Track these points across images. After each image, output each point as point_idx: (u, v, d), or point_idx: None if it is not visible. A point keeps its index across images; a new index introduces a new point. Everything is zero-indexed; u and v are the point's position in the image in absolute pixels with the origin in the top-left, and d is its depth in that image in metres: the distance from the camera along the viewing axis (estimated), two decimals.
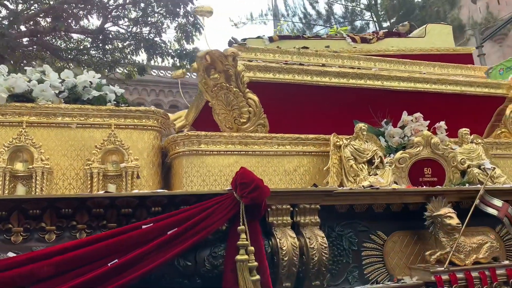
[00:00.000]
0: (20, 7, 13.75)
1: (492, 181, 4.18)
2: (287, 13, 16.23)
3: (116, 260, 2.54)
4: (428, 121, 4.35)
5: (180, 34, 14.57)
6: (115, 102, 3.92)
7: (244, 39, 4.73)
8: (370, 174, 3.99)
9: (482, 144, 4.51)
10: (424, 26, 5.93)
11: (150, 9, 14.54)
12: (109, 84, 4.08)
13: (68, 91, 3.85)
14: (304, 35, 5.21)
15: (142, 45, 14.20)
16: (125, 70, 15.14)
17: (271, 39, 4.87)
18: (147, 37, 14.42)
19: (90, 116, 3.78)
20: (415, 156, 4.12)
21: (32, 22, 13.26)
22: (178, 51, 14.17)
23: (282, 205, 3.16)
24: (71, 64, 13.41)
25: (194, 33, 14.44)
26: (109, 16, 14.20)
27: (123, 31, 14.72)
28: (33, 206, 2.74)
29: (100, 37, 14.15)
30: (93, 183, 3.49)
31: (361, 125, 4.11)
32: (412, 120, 4.34)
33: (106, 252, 2.60)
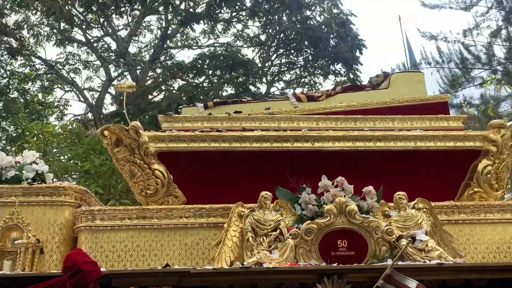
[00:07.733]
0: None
1: (422, 255, 3.53)
2: (442, 59, 15.60)
3: None
4: (352, 186, 3.88)
5: None
6: (30, 181, 4.15)
7: (180, 108, 4.78)
8: (271, 248, 3.63)
9: (425, 210, 3.87)
10: (390, 75, 5.42)
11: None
12: (34, 163, 4.34)
13: None
14: (242, 99, 5.09)
15: None
16: None
17: (206, 106, 4.84)
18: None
19: (5, 194, 4.05)
20: (327, 227, 3.67)
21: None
22: None
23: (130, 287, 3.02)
24: None
25: None
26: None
27: None
28: None
29: None
30: None
31: (263, 193, 3.82)
32: (334, 185, 3.91)
33: None
